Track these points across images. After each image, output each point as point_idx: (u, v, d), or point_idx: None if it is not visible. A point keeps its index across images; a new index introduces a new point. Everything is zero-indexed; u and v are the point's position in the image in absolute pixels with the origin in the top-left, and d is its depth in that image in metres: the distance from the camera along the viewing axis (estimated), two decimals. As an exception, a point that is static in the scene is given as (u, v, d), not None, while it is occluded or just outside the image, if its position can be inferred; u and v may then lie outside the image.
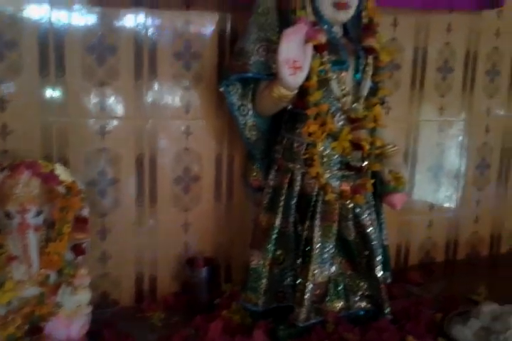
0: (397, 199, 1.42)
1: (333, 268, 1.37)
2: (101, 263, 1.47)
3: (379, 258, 1.39)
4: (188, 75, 1.46)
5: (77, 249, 1.23)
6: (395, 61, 1.72)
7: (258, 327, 1.30)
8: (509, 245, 2.17)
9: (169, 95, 1.46)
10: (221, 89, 1.33)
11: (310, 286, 1.30)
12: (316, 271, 1.31)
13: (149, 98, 1.43)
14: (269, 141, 1.43)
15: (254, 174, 1.46)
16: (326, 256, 1.33)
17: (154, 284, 1.55)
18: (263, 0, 1.31)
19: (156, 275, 1.55)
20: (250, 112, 1.37)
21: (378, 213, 1.46)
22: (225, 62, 1.45)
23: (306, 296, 1.30)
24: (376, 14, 1.36)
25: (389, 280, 1.52)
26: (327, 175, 1.30)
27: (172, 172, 1.51)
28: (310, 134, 1.25)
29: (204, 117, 1.51)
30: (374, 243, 1.37)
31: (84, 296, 1.21)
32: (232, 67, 1.30)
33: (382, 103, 1.46)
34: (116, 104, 1.41)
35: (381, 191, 1.44)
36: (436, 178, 1.94)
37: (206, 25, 1.46)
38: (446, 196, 1.98)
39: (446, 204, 1.99)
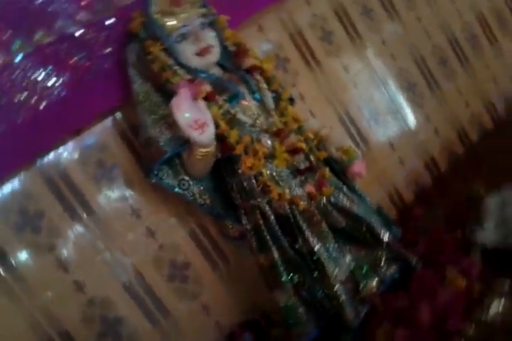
0: (357, 167, 1.49)
1: (348, 258, 1.44)
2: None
3: (377, 225, 1.47)
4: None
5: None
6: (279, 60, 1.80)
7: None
8: (477, 132, 2.31)
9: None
10: (153, 181, 1.35)
11: (340, 288, 1.37)
12: (335, 272, 1.37)
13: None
14: (222, 194, 1.46)
15: (231, 227, 1.49)
16: (334, 254, 1.39)
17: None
18: (138, 87, 1.34)
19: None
20: (190, 182, 1.40)
21: (352, 188, 1.53)
22: (142, 157, 1.46)
23: (342, 298, 1.37)
24: (238, 38, 1.42)
25: (399, 235, 1.60)
26: (287, 190, 1.36)
27: (160, 275, 1.51)
28: (251, 168, 1.30)
29: (159, 211, 1.53)
30: (364, 216, 1.45)
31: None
32: (150, 157, 1.32)
33: (292, 102, 1.53)
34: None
35: (341, 169, 1.51)
36: (380, 121, 2.04)
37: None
38: (397, 130, 2.08)
39: (403, 136, 2.09)
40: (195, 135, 1.19)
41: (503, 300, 1.33)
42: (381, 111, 2.04)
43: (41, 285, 1.34)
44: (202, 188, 1.42)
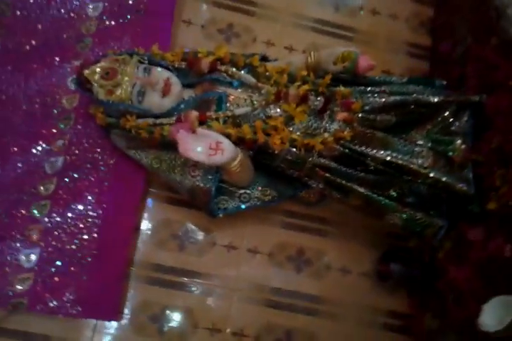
0: (363, 63, 1.46)
1: (420, 142, 1.47)
2: None
3: (421, 94, 1.49)
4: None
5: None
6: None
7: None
8: None
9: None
10: (221, 216, 1.46)
11: (435, 172, 1.40)
12: (419, 163, 1.40)
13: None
14: (279, 178, 1.51)
15: (307, 195, 1.58)
16: (406, 148, 1.42)
17: None
18: (146, 159, 1.42)
19: None
20: (248, 191, 1.48)
21: (374, 82, 1.54)
22: (197, 207, 1.53)
23: (444, 179, 1.39)
24: (179, 53, 1.44)
25: (444, 84, 1.64)
26: (326, 134, 1.39)
27: (288, 275, 1.63)
28: (283, 142, 1.34)
29: (242, 233, 1.64)
30: (403, 97, 1.46)
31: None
32: (202, 201, 1.39)
33: (267, 59, 1.55)
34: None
35: (353, 75, 1.50)
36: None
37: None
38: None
39: None
40: (218, 159, 1.23)
41: None
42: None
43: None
44: (260, 188, 1.50)
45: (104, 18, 1.62)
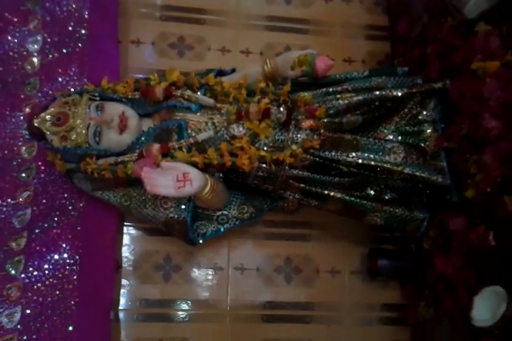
0: (321, 64, 1.42)
1: (389, 138, 1.48)
2: None
3: (384, 88, 1.47)
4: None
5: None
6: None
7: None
8: None
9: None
10: (201, 242, 1.45)
11: (408, 167, 1.39)
12: (391, 160, 1.40)
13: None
14: (254, 194, 1.51)
15: (285, 205, 1.58)
16: (376, 147, 1.41)
17: None
18: (115, 199, 1.39)
19: None
20: (224, 212, 1.45)
21: (335, 81, 1.52)
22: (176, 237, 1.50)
23: (418, 173, 1.38)
24: (130, 83, 1.40)
25: (406, 71, 1.61)
26: (294, 146, 1.36)
27: (279, 286, 1.63)
28: (251, 161, 1.32)
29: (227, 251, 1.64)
30: (367, 93, 1.43)
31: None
32: (180, 231, 1.37)
33: (221, 73, 1.51)
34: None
35: (313, 78, 1.48)
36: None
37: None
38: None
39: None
40: (187, 190, 1.21)
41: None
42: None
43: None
44: (236, 207, 1.47)
45: (46, 51, 1.55)
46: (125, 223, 1.59)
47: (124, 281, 1.55)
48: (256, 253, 1.66)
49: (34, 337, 1.37)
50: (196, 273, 1.61)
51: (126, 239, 1.58)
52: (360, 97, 1.43)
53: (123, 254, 1.57)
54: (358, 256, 1.70)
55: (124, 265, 1.56)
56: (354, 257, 1.70)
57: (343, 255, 1.70)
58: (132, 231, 1.60)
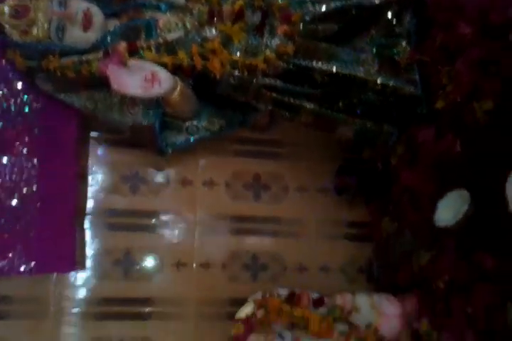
0: None
1: (366, 49, 1.44)
2: None
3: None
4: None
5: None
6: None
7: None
8: None
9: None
10: (171, 151, 1.43)
11: (382, 78, 1.37)
12: (364, 73, 1.37)
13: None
14: (225, 106, 1.48)
15: (257, 119, 1.56)
16: (351, 57, 1.38)
17: None
18: (78, 101, 1.35)
19: None
20: (194, 123, 1.44)
21: None
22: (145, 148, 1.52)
23: (391, 83, 1.38)
24: None
25: None
26: (267, 51, 1.32)
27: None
28: (222, 65, 1.28)
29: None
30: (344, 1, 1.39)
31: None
32: (148, 139, 1.36)
33: None
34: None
35: None
36: None
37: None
38: None
39: None
40: (156, 90, 1.19)
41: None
42: None
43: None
44: (207, 118, 1.45)
45: None
46: (92, 133, 1.55)
47: (90, 191, 1.53)
48: (226, 169, 1.66)
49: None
50: (165, 186, 1.60)
51: (92, 149, 1.55)
52: (337, 4, 1.38)
53: (89, 164, 1.54)
54: (326, 175, 1.72)
55: (90, 175, 1.54)
56: (322, 176, 1.72)
57: (311, 174, 1.72)
58: (98, 141, 1.56)
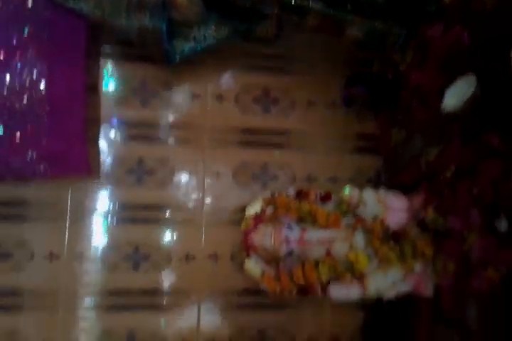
0: None
1: None
2: None
3: None
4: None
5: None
6: None
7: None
8: None
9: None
10: (178, 60, 1.44)
11: None
12: None
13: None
14: (232, 14, 1.45)
15: (266, 31, 1.54)
16: None
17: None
18: (87, 7, 1.36)
19: None
20: (201, 31, 1.44)
21: None
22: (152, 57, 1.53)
23: None
24: None
25: None
26: None
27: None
28: None
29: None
30: None
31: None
32: (155, 44, 1.37)
33: None
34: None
35: None
36: None
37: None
38: None
39: None
40: None
41: None
42: None
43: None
44: (213, 26, 1.44)
45: None
46: (102, 48, 1.57)
47: (103, 102, 1.57)
48: (234, 84, 1.67)
49: (7, 143, 1.37)
50: (175, 100, 1.62)
51: (102, 63, 1.58)
52: None
53: (100, 77, 1.58)
54: (334, 89, 1.71)
55: (103, 88, 1.58)
56: (330, 90, 1.72)
57: (319, 88, 1.71)
58: (109, 55, 1.58)
